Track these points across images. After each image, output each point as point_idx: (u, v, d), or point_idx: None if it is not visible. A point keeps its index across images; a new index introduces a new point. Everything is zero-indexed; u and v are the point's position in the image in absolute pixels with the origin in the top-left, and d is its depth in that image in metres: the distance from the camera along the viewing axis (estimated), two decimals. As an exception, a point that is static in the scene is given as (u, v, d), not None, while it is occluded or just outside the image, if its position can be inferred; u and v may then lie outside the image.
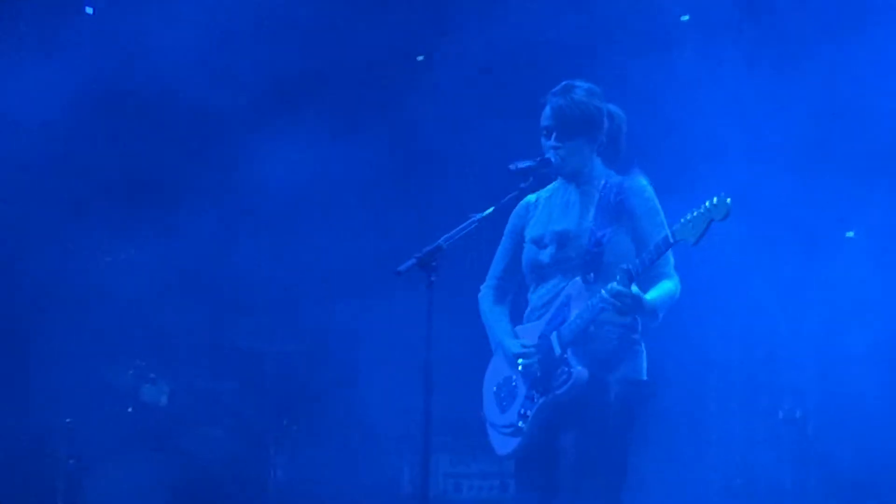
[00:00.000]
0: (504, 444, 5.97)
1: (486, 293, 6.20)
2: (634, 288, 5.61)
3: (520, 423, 5.85)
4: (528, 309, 6.04)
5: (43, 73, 8.71)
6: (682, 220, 5.55)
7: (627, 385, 5.80)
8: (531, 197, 6.12)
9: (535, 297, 6.00)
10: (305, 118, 9.09)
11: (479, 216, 5.71)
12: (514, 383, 5.94)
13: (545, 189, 6.13)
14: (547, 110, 5.94)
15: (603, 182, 5.95)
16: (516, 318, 6.11)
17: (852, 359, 8.59)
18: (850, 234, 8.94)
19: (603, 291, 5.62)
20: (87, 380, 8.87)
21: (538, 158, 5.90)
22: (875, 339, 8.52)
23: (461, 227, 5.65)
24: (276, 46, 9.18)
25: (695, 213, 5.53)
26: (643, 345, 5.90)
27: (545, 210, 6.06)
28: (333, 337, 8.76)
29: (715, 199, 5.52)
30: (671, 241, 5.57)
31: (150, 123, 9.15)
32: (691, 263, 6.05)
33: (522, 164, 5.86)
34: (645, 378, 5.88)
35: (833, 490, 8.45)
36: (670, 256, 5.82)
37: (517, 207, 6.14)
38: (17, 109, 8.64)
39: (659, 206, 5.89)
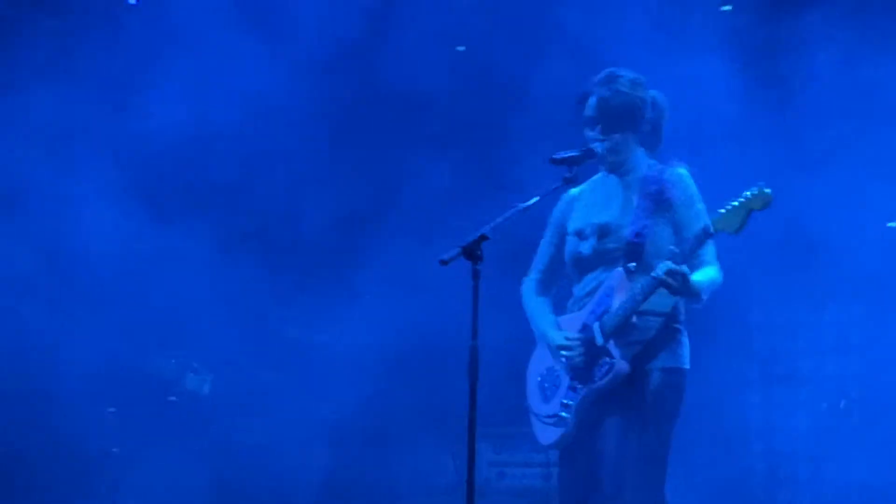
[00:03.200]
0: (547, 434, 5.98)
1: (529, 285, 6.21)
2: (684, 267, 5.61)
3: (563, 413, 5.87)
4: (571, 300, 6.05)
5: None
6: (722, 211, 5.56)
7: (669, 374, 5.80)
8: (574, 190, 6.12)
9: (578, 287, 6.01)
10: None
11: (522, 205, 5.71)
12: (557, 374, 5.95)
13: (588, 182, 6.14)
14: (592, 100, 5.93)
15: (643, 172, 5.95)
16: (559, 309, 6.11)
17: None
18: (893, 224, 8.91)
19: (658, 268, 5.60)
20: (130, 369, 8.92)
21: (582, 149, 5.90)
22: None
23: (505, 215, 5.65)
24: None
25: (734, 204, 5.54)
26: (685, 334, 5.91)
27: (587, 202, 6.07)
28: (376, 326, 8.77)
29: (755, 189, 5.53)
30: (711, 231, 5.58)
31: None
32: (734, 252, 6.05)
33: (566, 154, 5.86)
34: (687, 367, 5.88)
35: (877, 482, 8.43)
36: (712, 245, 5.81)
37: (560, 201, 6.15)
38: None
39: (698, 196, 5.88)
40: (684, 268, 5.59)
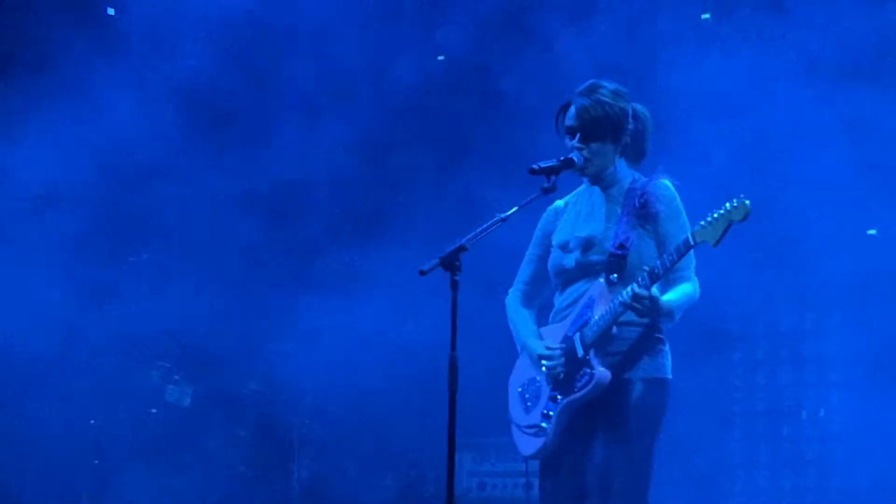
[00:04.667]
0: (528, 445, 5.97)
1: (513, 297, 6.21)
2: (654, 290, 5.63)
3: (543, 424, 5.86)
4: (553, 311, 6.05)
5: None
6: (703, 223, 5.57)
7: (651, 384, 5.80)
8: (559, 202, 6.13)
9: (560, 299, 6.01)
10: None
11: (501, 216, 5.70)
12: (538, 384, 5.94)
13: (573, 194, 6.13)
14: (572, 110, 5.94)
15: (628, 184, 5.95)
16: (542, 321, 6.12)
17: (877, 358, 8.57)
18: (872, 231, 8.91)
19: (623, 293, 5.64)
20: (111, 381, 8.90)
21: (561, 158, 5.90)
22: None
23: (484, 226, 5.65)
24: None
25: (715, 216, 5.55)
26: (667, 344, 5.90)
27: (571, 215, 6.07)
28: (357, 337, 8.77)
29: (735, 202, 5.54)
30: (692, 243, 5.59)
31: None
32: (714, 262, 6.06)
33: (545, 164, 5.85)
34: (669, 377, 5.88)
35: (854, 491, 8.43)
36: (692, 259, 5.82)
37: (546, 213, 6.16)
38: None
39: (682, 209, 5.89)
40: (653, 290, 5.61)
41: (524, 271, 6.22)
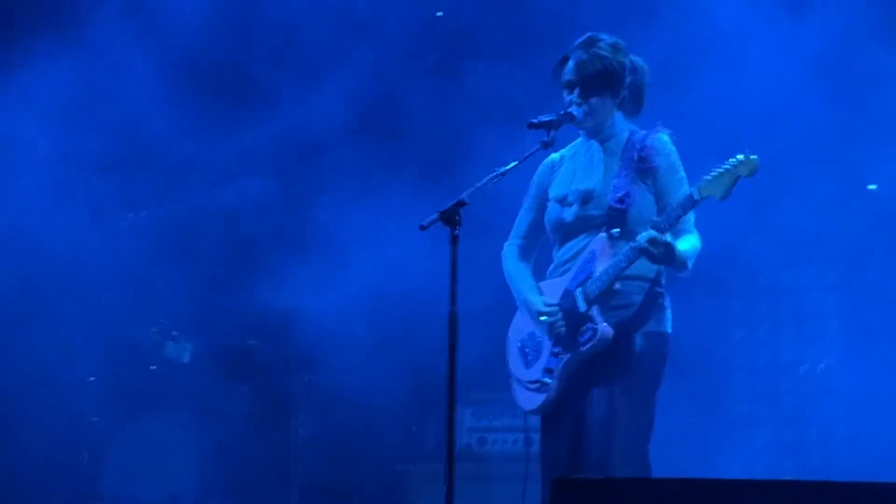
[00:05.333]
0: (529, 400, 5.98)
1: (509, 250, 6.20)
2: (668, 236, 5.61)
3: (546, 379, 5.87)
4: (552, 265, 6.04)
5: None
6: (707, 177, 5.57)
7: (653, 338, 5.81)
8: (555, 155, 6.12)
9: (559, 253, 6.00)
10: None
11: (501, 170, 5.70)
12: (538, 339, 5.95)
13: (569, 147, 6.12)
14: (570, 64, 5.92)
15: (626, 138, 5.94)
16: (539, 275, 6.10)
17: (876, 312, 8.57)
18: (873, 186, 8.88)
19: (638, 237, 5.61)
20: (110, 338, 8.89)
21: (559, 113, 5.88)
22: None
23: (483, 181, 5.64)
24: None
25: (721, 170, 5.55)
26: (668, 298, 5.90)
27: (569, 168, 6.05)
28: (357, 292, 8.75)
29: (741, 156, 5.54)
30: (696, 197, 5.58)
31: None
32: (713, 217, 6.05)
33: (543, 118, 5.84)
34: (670, 331, 5.88)
35: (853, 446, 8.44)
36: (692, 213, 5.81)
37: (541, 166, 6.14)
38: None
39: (679, 162, 5.89)
40: (668, 237, 5.60)
41: (520, 225, 6.21)
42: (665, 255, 5.63)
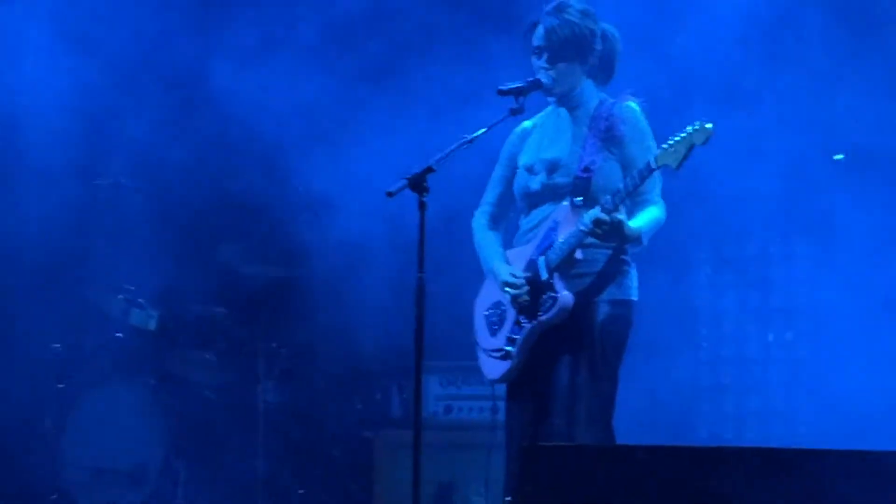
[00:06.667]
0: (493, 368, 5.99)
1: (479, 218, 6.20)
2: (620, 214, 5.61)
3: (508, 348, 5.88)
4: (518, 233, 6.05)
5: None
6: (664, 146, 5.58)
7: (616, 306, 5.82)
8: (526, 123, 6.11)
9: (526, 221, 6.02)
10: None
11: (469, 137, 5.70)
12: (503, 308, 5.96)
13: (538, 115, 6.12)
14: (539, 30, 5.92)
15: (594, 106, 5.93)
16: (508, 243, 6.10)
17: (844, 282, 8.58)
18: (839, 156, 8.88)
19: (585, 216, 5.62)
20: (75, 306, 8.85)
21: (528, 79, 5.88)
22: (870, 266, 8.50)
23: (451, 147, 5.63)
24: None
25: (676, 139, 5.56)
26: (633, 266, 5.91)
27: (537, 137, 6.06)
28: (324, 259, 8.72)
29: (696, 124, 5.55)
30: (653, 166, 5.59)
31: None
32: (680, 188, 6.05)
33: (512, 85, 5.84)
34: (635, 298, 5.89)
35: (823, 414, 8.47)
36: (658, 182, 5.83)
37: (512, 134, 6.14)
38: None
39: (648, 131, 5.89)
40: (617, 215, 5.59)
41: (490, 193, 6.20)
42: (611, 233, 5.63)
